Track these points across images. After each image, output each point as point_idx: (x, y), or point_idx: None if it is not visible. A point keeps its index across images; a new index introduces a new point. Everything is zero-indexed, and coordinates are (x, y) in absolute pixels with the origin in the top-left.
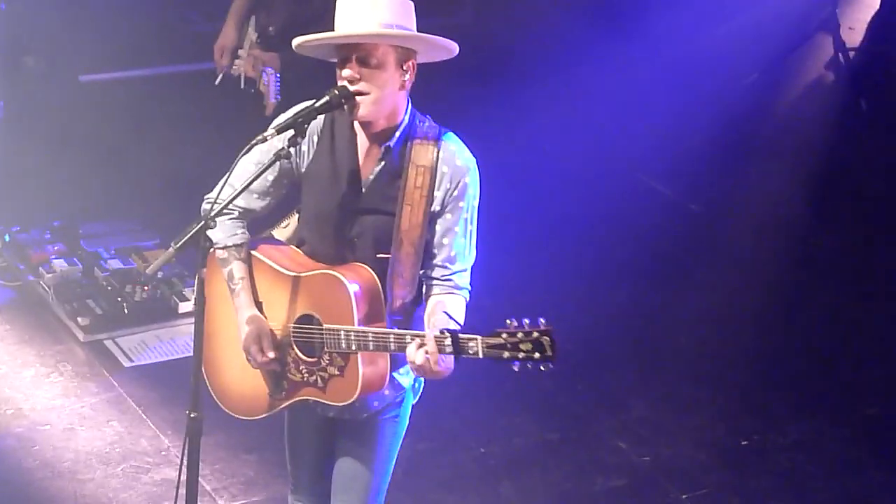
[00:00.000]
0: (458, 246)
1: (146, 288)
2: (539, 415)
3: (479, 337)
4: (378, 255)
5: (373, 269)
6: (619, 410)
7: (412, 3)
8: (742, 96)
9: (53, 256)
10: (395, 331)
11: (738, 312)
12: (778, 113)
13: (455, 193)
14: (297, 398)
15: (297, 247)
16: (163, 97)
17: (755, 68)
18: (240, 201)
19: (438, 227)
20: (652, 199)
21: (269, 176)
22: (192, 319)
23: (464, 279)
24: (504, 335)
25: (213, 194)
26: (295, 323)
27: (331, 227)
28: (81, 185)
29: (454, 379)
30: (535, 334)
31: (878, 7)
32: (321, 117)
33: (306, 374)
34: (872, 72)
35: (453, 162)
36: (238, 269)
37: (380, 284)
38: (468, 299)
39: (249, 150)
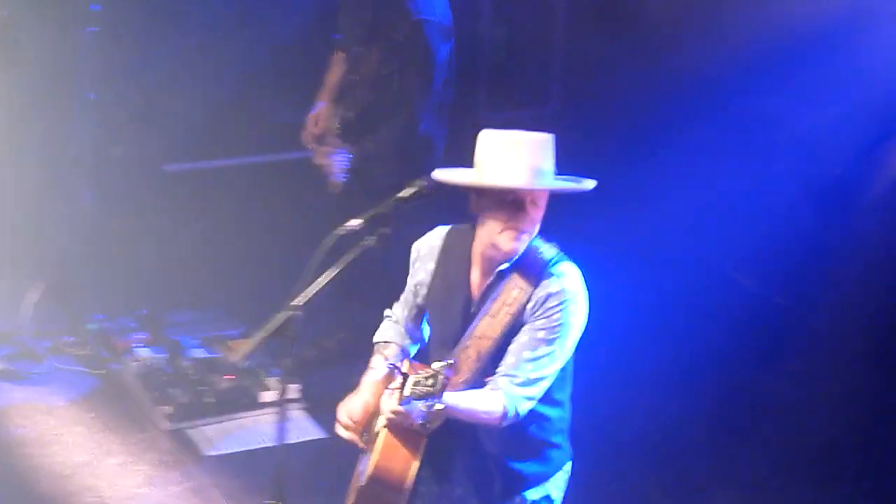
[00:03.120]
0: (523, 360)
1: (230, 377)
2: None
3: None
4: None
5: None
6: (697, 500)
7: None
8: (830, 188)
9: (138, 345)
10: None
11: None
12: (865, 206)
13: (541, 314)
14: (358, 487)
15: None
16: (247, 187)
17: (843, 160)
18: (396, 307)
19: (513, 341)
20: (738, 291)
21: (408, 283)
22: (276, 409)
23: (511, 387)
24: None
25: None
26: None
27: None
28: (166, 274)
29: None
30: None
31: None
32: (435, 244)
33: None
34: None
35: (552, 288)
36: (373, 361)
37: None
38: (504, 408)
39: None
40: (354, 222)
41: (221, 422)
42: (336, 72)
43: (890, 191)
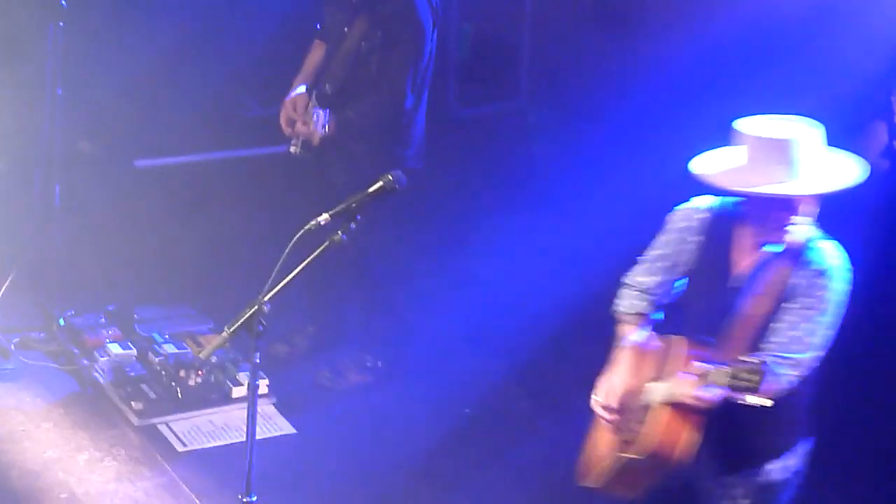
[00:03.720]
0: (790, 339)
1: (200, 372)
2: None
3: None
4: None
5: None
6: None
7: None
8: None
9: (108, 341)
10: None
11: None
12: (832, 200)
13: (806, 292)
14: (622, 457)
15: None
16: (217, 182)
17: None
18: (638, 276)
19: (779, 320)
20: None
21: (656, 252)
22: (246, 404)
23: (780, 366)
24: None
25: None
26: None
27: (704, 316)
28: (136, 270)
29: None
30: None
31: None
32: (703, 216)
33: (630, 433)
34: None
35: (816, 266)
36: (625, 331)
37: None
38: (773, 388)
39: (300, 236)
40: (323, 217)
41: (191, 417)
42: (315, 57)
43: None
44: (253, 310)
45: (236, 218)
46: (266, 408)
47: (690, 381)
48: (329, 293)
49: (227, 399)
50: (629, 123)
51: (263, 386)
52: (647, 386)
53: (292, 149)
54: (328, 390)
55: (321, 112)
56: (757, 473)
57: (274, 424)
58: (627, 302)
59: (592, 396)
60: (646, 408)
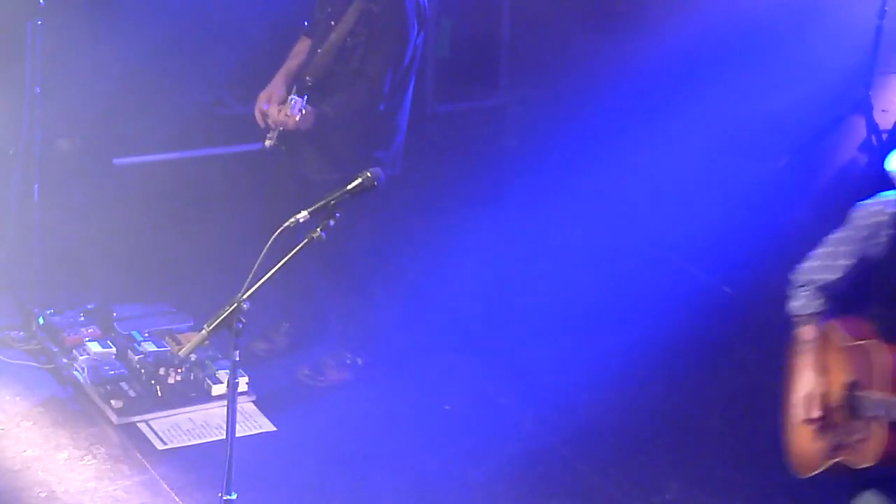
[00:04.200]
0: None
1: (179, 370)
2: (573, 500)
3: None
4: None
5: None
6: (652, 493)
7: None
8: (775, 178)
9: (87, 339)
10: None
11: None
12: (810, 196)
13: None
14: (836, 459)
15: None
16: (197, 180)
17: (788, 150)
18: (815, 274)
19: None
20: (685, 280)
21: (838, 249)
22: (226, 402)
23: None
24: None
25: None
26: (846, 388)
27: None
28: (115, 268)
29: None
30: None
31: None
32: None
33: (846, 437)
34: None
35: None
36: (805, 333)
37: None
38: None
39: (279, 233)
40: (301, 215)
41: (171, 415)
42: (299, 52)
43: (834, 179)
44: (232, 307)
45: (216, 215)
46: (246, 405)
47: None
48: (308, 290)
49: (206, 397)
50: (608, 119)
51: (243, 383)
52: (858, 395)
53: (267, 142)
54: (308, 387)
55: (298, 98)
56: None
57: (254, 422)
58: (801, 301)
59: (797, 401)
60: (861, 417)
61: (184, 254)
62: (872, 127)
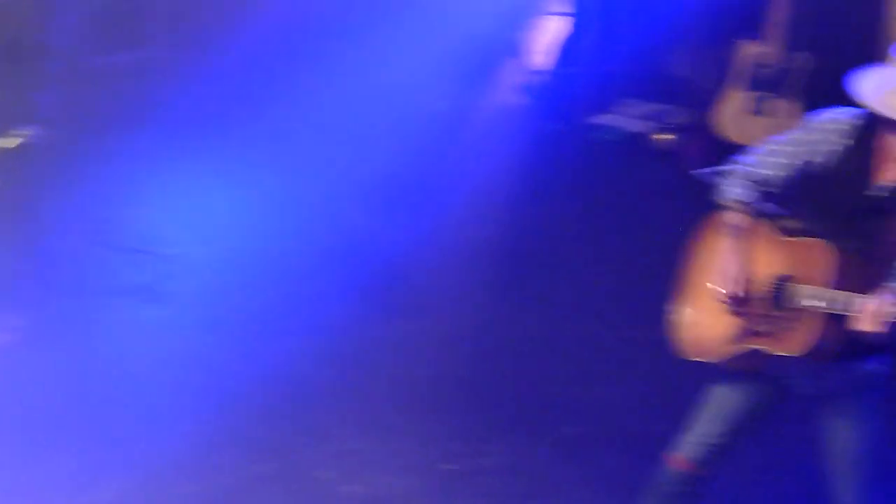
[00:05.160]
0: None
1: None
2: (244, 448)
3: None
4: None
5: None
6: (324, 441)
7: None
8: (433, 122)
9: None
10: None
11: (438, 337)
12: (469, 136)
13: None
14: (750, 345)
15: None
16: None
17: (444, 94)
18: (758, 167)
19: None
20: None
21: (786, 148)
22: None
23: None
24: None
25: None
26: (775, 279)
27: (839, 223)
28: None
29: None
30: None
31: (562, 31)
32: (858, 121)
33: (766, 326)
34: (559, 94)
35: None
36: (734, 218)
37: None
38: None
39: None
40: None
41: None
42: None
43: (493, 117)
44: None
45: None
46: None
47: (884, 300)
48: None
49: None
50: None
51: None
52: (791, 286)
53: None
54: None
55: None
56: (860, 365)
57: None
58: (737, 190)
59: (708, 284)
60: (791, 307)
61: None
62: (525, 68)
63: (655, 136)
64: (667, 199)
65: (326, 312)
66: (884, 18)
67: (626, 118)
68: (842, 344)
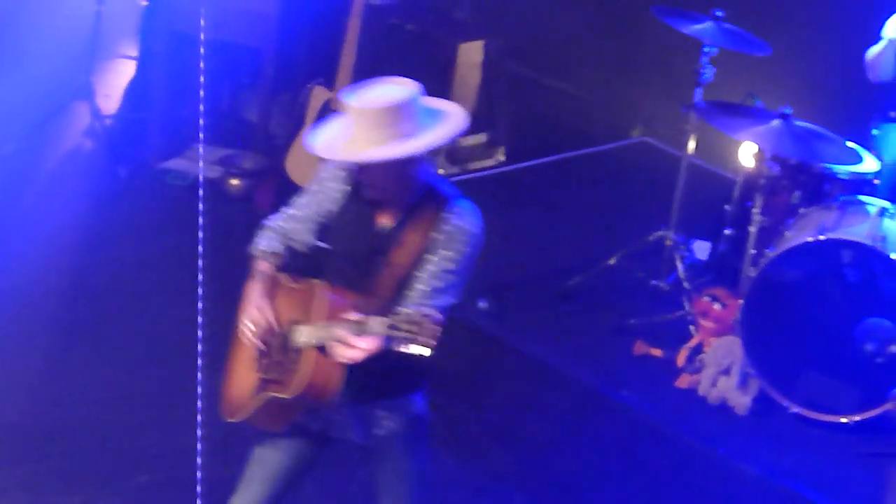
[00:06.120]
0: (431, 290)
1: None
2: None
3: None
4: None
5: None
6: None
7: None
8: (3, 164)
9: None
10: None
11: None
12: (37, 182)
13: (446, 244)
14: (268, 395)
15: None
16: None
17: (12, 138)
18: (280, 222)
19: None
20: None
21: (301, 201)
22: None
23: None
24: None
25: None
26: (283, 325)
27: (350, 265)
28: None
29: None
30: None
31: (133, 74)
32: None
33: (275, 372)
34: (129, 138)
35: (454, 221)
36: (261, 265)
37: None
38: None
39: None
40: None
41: None
42: None
43: (62, 163)
44: None
45: None
46: None
47: (349, 328)
48: None
49: None
50: None
51: None
52: (293, 328)
53: None
54: None
55: None
56: (403, 405)
57: None
58: (265, 242)
59: (244, 325)
60: (293, 349)
61: None
62: (96, 112)
63: (228, 181)
64: (240, 244)
65: None
66: (452, 66)
67: (198, 163)
68: (354, 377)
